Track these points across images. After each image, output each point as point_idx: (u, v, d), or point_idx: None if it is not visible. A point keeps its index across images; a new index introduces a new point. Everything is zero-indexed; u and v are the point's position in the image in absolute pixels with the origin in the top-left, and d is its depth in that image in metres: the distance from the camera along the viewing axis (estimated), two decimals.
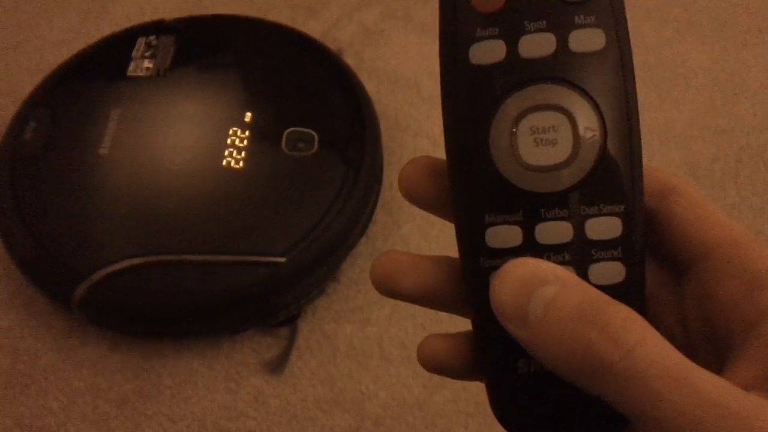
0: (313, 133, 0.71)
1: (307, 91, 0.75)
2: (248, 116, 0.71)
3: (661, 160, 0.77)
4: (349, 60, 0.81)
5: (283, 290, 0.66)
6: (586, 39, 0.28)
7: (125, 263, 0.64)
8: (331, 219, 0.67)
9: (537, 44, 0.28)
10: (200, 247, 0.65)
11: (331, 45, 0.82)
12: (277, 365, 0.67)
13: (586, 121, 0.28)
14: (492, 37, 0.29)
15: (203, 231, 0.66)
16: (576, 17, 0.28)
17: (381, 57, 0.85)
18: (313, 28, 0.87)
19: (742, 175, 0.76)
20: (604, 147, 0.29)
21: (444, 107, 0.30)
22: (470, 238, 0.30)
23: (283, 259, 0.64)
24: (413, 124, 0.79)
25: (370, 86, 0.78)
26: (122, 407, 0.65)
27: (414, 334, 0.68)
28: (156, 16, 0.81)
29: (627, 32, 0.29)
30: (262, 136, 0.70)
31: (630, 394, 0.25)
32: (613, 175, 0.29)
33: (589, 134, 0.28)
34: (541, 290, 0.27)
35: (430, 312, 0.69)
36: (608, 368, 0.25)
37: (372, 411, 0.65)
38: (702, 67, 0.84)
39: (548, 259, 0.29)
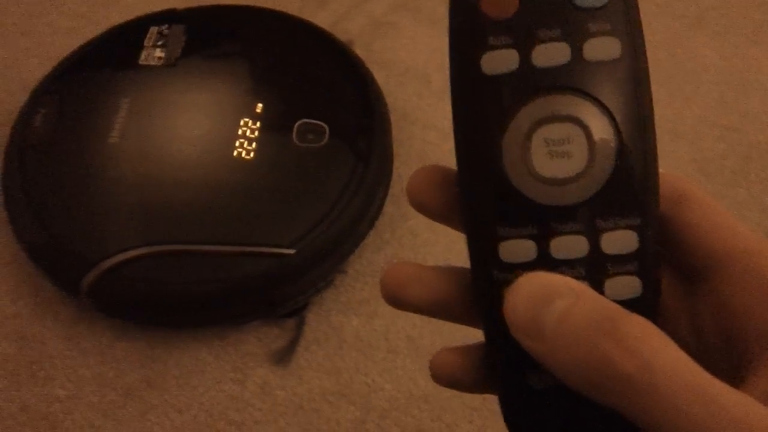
0: (324, 124, 0.70)
1: (318, 83, 0.75)
2: (259, 107, 0.71)
3: (671, 157, 0.77)
4: (359, 51, 0.81)
5: (290, 281, 0.66)
6: (602, 48, 0.28)
7: (134, 252, 0.64)
8: (340, 211, 0.67)
9: (551, 54, 0.28)
10: (209, 238, 0.65)
11: (341, 36, 0.81)
12: (283, 356, 0.67)
13: (602, 132, 0.28)
14: (505, 46, 0.28)
15: (212, 221, 0.66)
16: (591, 25, 0.27)
17: (390, 48, 0.85)
18: (322, 18, 0.87)
19: (752, 172, 0.76)
20: (619, 159, 0.28)
21: (455, 118, 0.29)
22: (483, 252, 0.29)
23: (291, 251, 0.64)
24: (422, 116, 0.79)
25: (379, 78, 0.78)
26: (129, 396, 0.66)
27: (421, 327, 0.68)
28: (165, 4, 0.81)
29: (643, 40, 0.28)
30: (272, 127, 0.70)
31: (647, 408, 0.24)
32: (628, 187, 0.28)
33: (604, 146, 0.28)
34: (555, 302, 0.26)
35: None
36: (625, 381, 0.24)
37: (378, 404, 0.65)
38: (712, 63, 0.84)
39: (563, 274, 0.28)
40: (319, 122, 0.70)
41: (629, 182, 0.28)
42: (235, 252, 0.64)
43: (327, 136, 0.70)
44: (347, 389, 0.66)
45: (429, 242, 0.72)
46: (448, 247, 0.71)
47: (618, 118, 0.28)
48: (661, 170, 0.29)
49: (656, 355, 0.24)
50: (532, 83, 0.28)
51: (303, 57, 0.77)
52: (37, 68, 0.79)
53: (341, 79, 0.75)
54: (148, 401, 0.65)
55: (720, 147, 0.78)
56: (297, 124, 0.70)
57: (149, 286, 0.64)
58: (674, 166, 0.76)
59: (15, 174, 0.69)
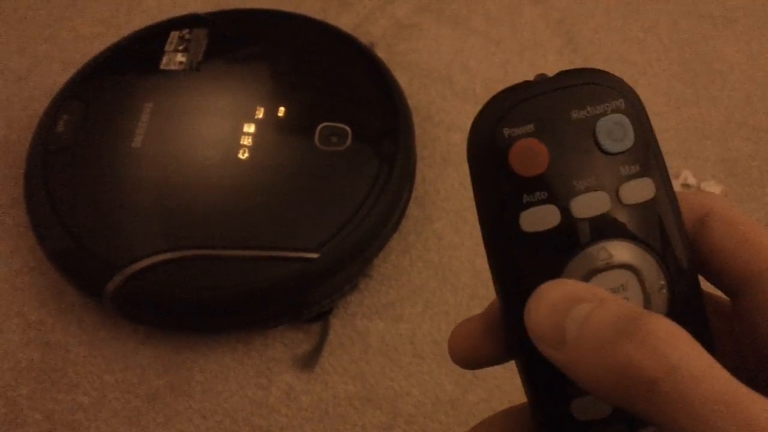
0: (346, 127, 0.70)
1: (340, 86, 0.75)
2: (281, 110, 0.71)
3: (698, 158, 0.76)
4: (381, 53, 0.81)
5: (315, 285, 0.65)
6: (637, 190, 0.28)
7: (158, 257, 0.63)
8: (365, 214, 0.66)
9: (591, 203, 0.28)
10: (233, 242, 0.64)
11: (363, 38, 0.81)
12: (308, 361, 0.67)
13: (653, 275, 0.28)
14: (542, 201, 0.28)
15: (236, 226, 0.65)
16: (622, 168, 0.28)
17: (413, 50, 0.85)
18: (345, 21, 0.86)
19: None
20: (672, 298, 0.28)
21: (498, 277, 0.29)
22: (553, 412, 0.29)
23: (316, 255, 0.64)
24: (446, 118, 0.79)
25: (402, 80, 0.78)
26: (153, 402, 0.65)
27: (447, 331, 0.67)
28: (188, 9, 0.81)
29: (667, 172, 0.28)
30: (294, 131, 0.70)
31: (673, 417, 0.23)
32: (684, 320, 0.27)
33: (657, 288, 0.28)
34: (577, 308, 0.25)
35: (464, 308, 0.68)
36: (650, 386, 0.23)
37: (404, 409, 0.64)
38: (739, 63, 0.83)
39: None
40: (341, 125, 0.70)
41: (684, 318, 0.27)
42: (260, 256, 0.64)
43: (350, 139, 0.70)
44: (373, 394, 0.65)
45: (454, 245, 0.71)
46: (474, 250, 0.71)
47: (665, 258, 0.28)
48: (685, 192, 0.29)
49: (684, 359, 0.23)
50: (577, 235, 0.28)
51: (325, 60, 0.76)
52: (60, 74, 0.79)
53: (364, 81, 0.75)
54: (172, 407, 0.65)
55: (748, 147, 0.77)
56: (319, 127, 0.70)
57: (173, 290, 0.64)
58: (702, 166, 0.75)
59: (38, 179, 0.69)
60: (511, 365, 0.32)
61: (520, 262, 0.28)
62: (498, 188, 0.28)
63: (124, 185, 0.67)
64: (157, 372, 0.67)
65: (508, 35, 0.85)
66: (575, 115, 0.28)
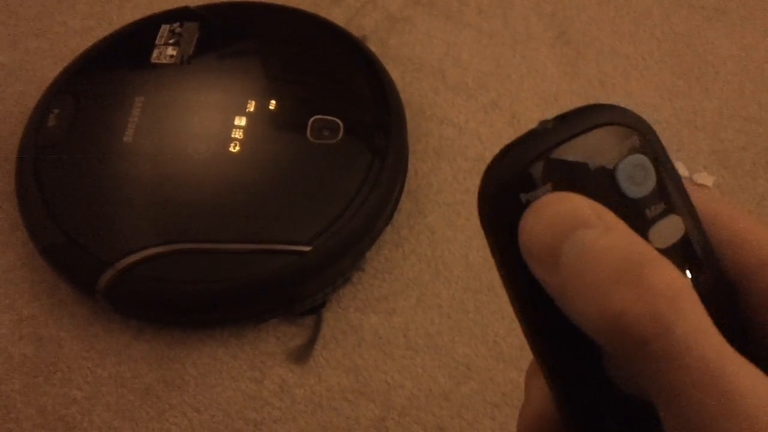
0: (338, 121, 0.70)
1: (332, 79, 0.74)
2: (273, 104, 0.71)
3: (691, 149, 0.76)
4: (374, 47, 0.80)
5: (308, 279, 0.65)
6: (667, 231, 0.26)
7: (150, 251, 0.63)
8: (357, 207, 0.66)
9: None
10: (225, 236, 0.64)
11: (356, 32, 0.81)
12: (301, 355, 0.66)
13: None
14: None
15: (228, 219, 0.65)
16: (648, 211, 0.25)
17: (405, 44, 0.84)
18: (337, 14, 0.86)
19: None
20: None
21: (541, 351, 0.27)
22: None
23: (308, 248, 0.64)
24: (438, 112, 0.79)
25: (394, 73, 0.78)
26: (146, 396, 0.65)
27: (440, 323, 0.67)
28: (178, 2, 0.81)
29: (690, 198, 0.26)
30: (286, 124, 0.70)
31: (658, 381, 0.21)
32: None
33: None
34: (581, 232, 0.23)
35: (457, 301, 0.68)
36: (639, 345, 0.21)
37: (398, 401, 0.64)
38: (731, 55, 0.83)
39: None
40: (333, 118, 0.70)
41: None
42: (252, 250, 0.64)
43: (342, 132, 0.70)
44: (366, 387, 0.65)
45: (447, 238, 0.71)
46: (467, 243, 0.71)
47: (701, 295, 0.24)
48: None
49: (680, 320, 0.21)
50: None
51: (317, 53, 0.76)
52: (51, 69, 0.78)
53: (356, 75, 0.75)
54: (165, 401, 0.65)
55: (740, 138, 0.77)
56: (311, 121, 0.70)
57: (165, 285, 0.64)
58: (694, 158, 0.75)
59: (29, 174, 0.68)
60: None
61: (555, 328, 0.25)
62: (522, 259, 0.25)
63: (116, 179, 0.67)
64: (150, 366, 0.66)
65: (500, 28, 0.85)
66: (591, 165, 0.25)
